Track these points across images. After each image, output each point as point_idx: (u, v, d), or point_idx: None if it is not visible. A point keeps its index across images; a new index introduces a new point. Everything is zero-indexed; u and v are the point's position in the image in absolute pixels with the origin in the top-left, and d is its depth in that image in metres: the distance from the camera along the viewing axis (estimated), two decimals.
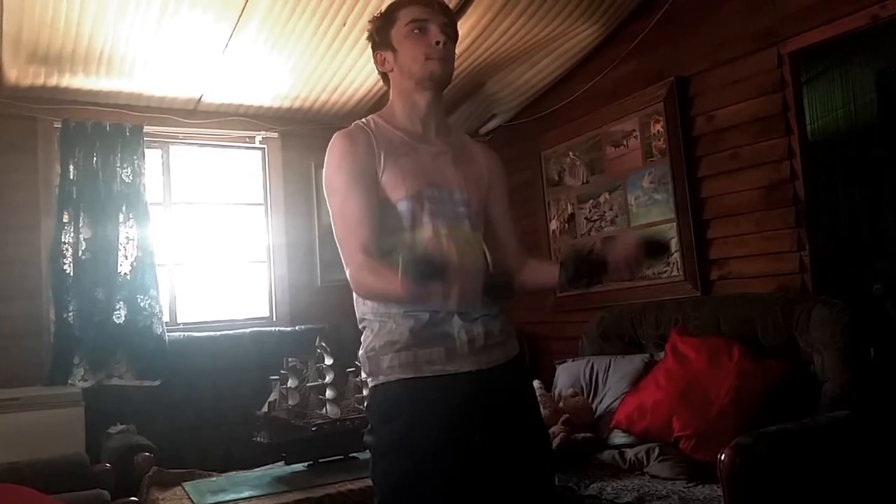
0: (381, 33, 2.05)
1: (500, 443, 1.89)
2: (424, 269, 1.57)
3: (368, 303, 1.95)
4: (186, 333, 5.00)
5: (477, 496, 1.86)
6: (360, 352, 1.97)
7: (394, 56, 2.03)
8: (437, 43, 1.97)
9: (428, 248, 1.77)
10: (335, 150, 1.97)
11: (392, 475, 1.87)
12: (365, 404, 2.16)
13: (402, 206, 1.93)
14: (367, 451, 1.96)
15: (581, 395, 4.15)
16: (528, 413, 2.05)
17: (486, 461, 1.86)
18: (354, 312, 2.01)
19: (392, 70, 2.06)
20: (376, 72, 2.15)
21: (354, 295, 1.99)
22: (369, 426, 1.96)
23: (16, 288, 4.67)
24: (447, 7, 2.08)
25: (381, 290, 1.85)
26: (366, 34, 2.11)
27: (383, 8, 2.09)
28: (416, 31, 1.99)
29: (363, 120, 2.06)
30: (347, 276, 1.90)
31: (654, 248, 1.96)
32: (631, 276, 2.01)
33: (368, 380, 1.97)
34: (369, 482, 1.97)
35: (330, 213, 1.97)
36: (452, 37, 2.04)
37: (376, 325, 1.93)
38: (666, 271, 4.52)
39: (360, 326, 2.00)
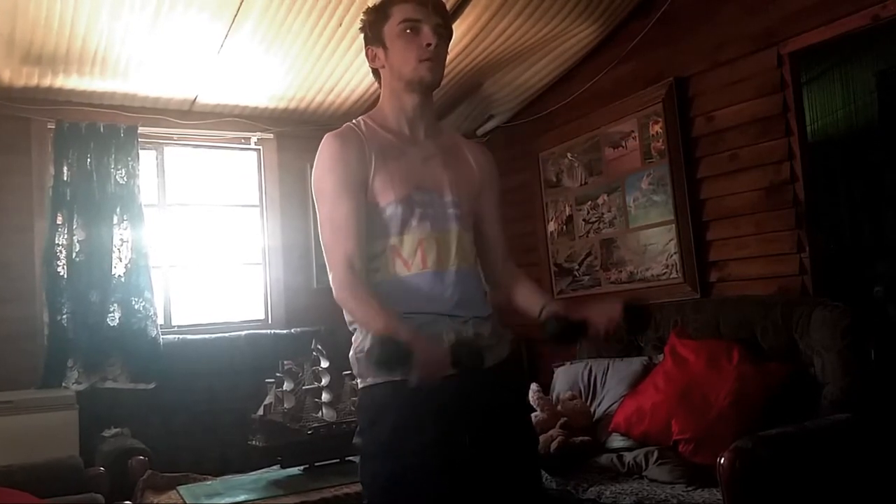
0: (373, 28, 2.03)
1: (489, 445, 1.87)
2: (390, 355, 1.62)
3: None
4: (181, 336, 4.98)
5: (464, 498, 1.85)
6: (350, 353, 1.97)
7: (385, 54, 2.01)
8: (429, 45, 1.95)
9: (394, 334, 1.69)
10: (326, 152, 1.95)
11: (380, 477, 1.87)
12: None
13: (392, 210, 1.92)
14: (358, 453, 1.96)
15: (579, 398, 4.15)
16: (517, 415, 2.05)
17: (474, 463, 1.85)
18: None
19: (383, 67, 2.04)
20: (371, 74, 2.12)
21: None
22: (359, 428, 1.96)
23: (9, 290, 4.66)
24: (442, 6, 2.05)
25: (359, 319, 1.89)
26: (359, 30, 2.09)
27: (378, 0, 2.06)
28: (408, 30, 1.96)
29: (354, 122, 2.04)
30: (331, 281, 1.90)
31: (636, 317, 1.95)
32: (607, 342, 2.03)
33: (358, 381, 1.97)
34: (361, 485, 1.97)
35: (318, 214, 1.96)
36: (446, 37, 2.02)
37: None
38: (665, 273, 4.51)
39: (349, 328, 1.99)
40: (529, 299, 2.13)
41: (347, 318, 1.97)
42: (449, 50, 2.08)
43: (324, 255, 1.94)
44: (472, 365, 1.76)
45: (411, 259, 1.91)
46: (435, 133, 2.10)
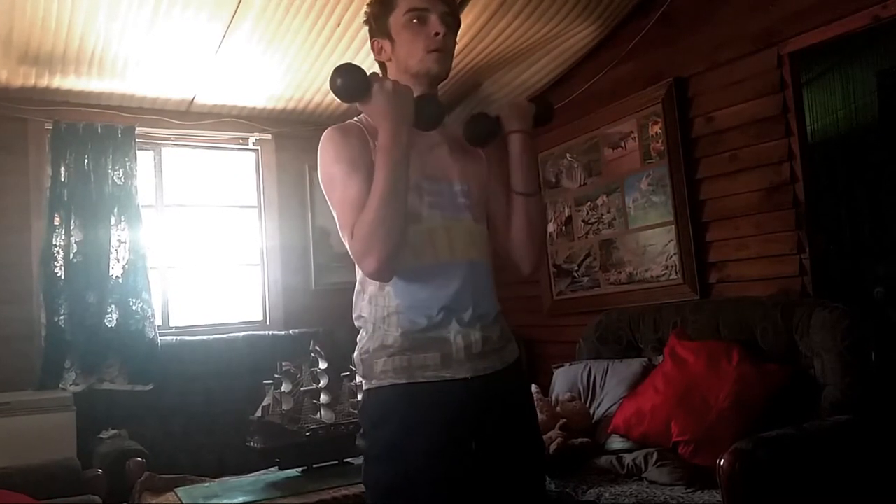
0: (378, 20, 1.98)
1: (495, 451, 1.84)
2: (350, 72, 1.76)
3: (366, 300, 1.89)
4: (179, 337, 5.00)
5: None
6: (355, 353, 1.92)
7: (391, 46, 1.96)
8: (437, 35, 1.90)
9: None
10: (329, 142, 1.89)
11: (383, 481, 1.84)
12: (359, 408, 2.11)
13: None
14: (360, 455, 1.93)
15: (578, 399, 4.13)
16: (524, 421, 2.00)
17: (480, 468, 1.82)
18: (349, 315, 1.95)
19: (389, 60, 1.99)
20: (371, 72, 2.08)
21: (356, 290, 1.93)
22: (362, 430, 1.93)
23: (6, 291, 4.66)
24: None
25: (375, 203, 1.74)
26: (362, 20, 2.04)
27: None
28: (414, 20, 1.91)
29: (356, 118, 1.99)
30: (350, 251, 1.80)
31: (543, 107, 2.08)
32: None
33: (362, 382, 1.92)
34: (364, 487, 1.94)
35: (331, 207, 1.88)
36: (454, 26, 1.97)
37: (371, 325, 1.87)
38: (664, 274, 4.50)
39: (356, 325, 1.94)
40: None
41: (356, 311, 1.92)
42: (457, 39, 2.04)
43: (343, 239, 1.84)
44: (433, 115, 1.85)
45: (421, 249, 1.85)
46: (443, 123, 2.02)
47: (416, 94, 1.87)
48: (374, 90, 1.79)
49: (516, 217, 2.02)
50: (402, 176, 1.76)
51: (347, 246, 1.80)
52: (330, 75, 1.80)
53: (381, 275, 1.79)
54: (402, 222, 1.75)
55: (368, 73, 1.81)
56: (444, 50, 1.92)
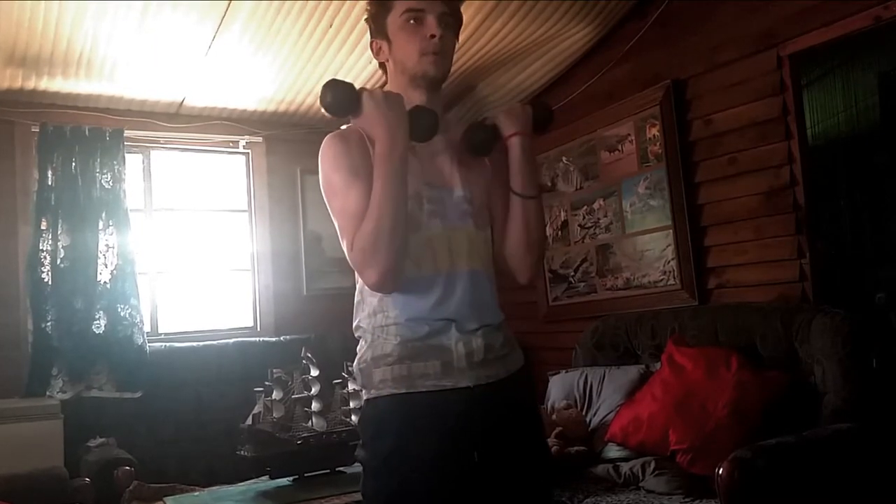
0: (376, 20, 1.95)
1: (498, 461, 1.82)
2: (338, 87, 1.77)
3: (365, 311, 1.87)
4: (168, 344, 4.98)
5: None
6: (354, 363, 1.90)
7: (389, 47, 1.94)
8: (433, 37, 1.87)
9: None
10: (329, 151, 1.86)
11: (382, 493, 1.81)
12: (357, 418, 2.08)
13: None
14: (358, 465, 1.90)
15: (574, 407, 4.12)
16: (530, 431, 1.97)
17: (483, 480, 1.80)
18: (341, 321, 1.98)
19: (387, 61, 1.97)
20: (363, 74, 2.07)
21: (355, 300, 1.91)
22: (361, 441, 1.90)
23: None
24: None
25: (374, 213, 1.72)
26: (357, 28, 2.03)
27: None
28: (411, 21, 1.88)
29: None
30: (351, 262, 1.79)
31: (543, 112, 2.03)
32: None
33: (362, 392, 1.91)
34: (357, 497, 1.95)
35: (332, 217, 1.86)
36: (453, 26, 1.94)
37: (370, 336, 1.86)
38: (662, 279, 4.48)
39: (356, 335, 1.92)
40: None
41: (356, 320, 1.90)
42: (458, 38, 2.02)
43: (344, 249, 1.82)
44: (427, 127, 1.81)
45: (421, 258, 1.83)
46: (443, 128, 1.99)
47: (416, 98, 1.89)
48: (364, 100, 1.79)
49: (513, 221, 1.98)
50: (400, 185, 1.74)
51: (348, 257, 1.79)
52: (319, 93, 1.81)
53: (384, 287, 1.78)
54: (404, 231, 1.74)
55: (357, 87, 1.80)
56: (441, 52, 1.89)
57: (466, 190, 1.92)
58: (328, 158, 1.86)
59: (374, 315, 1.85)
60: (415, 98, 1.92)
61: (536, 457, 1.96)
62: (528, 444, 1.93)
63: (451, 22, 1.93)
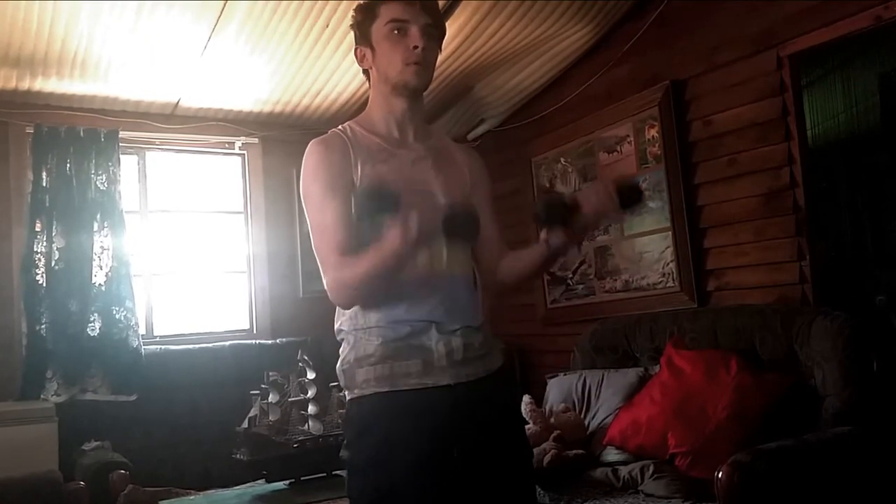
0: (361, 27, 1.99)
1: (480, 458, 1.85)
2: (379, 196, 1.68)
3: (346, 314, 1.91)
4: (163, 346, 4.96)
5: None
6: (338, 365, 1.94)
7: (372, 55, 1.98)
8: (416, 48, 1.90)
9: (378, 183, 1.76)
10: (310, 158, 1.93)
11: (367, 491, 1.85)
12: (342, 419, 2.10)
13: None
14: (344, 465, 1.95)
15: (573, 410, 4.12)
16: (510, 427, 2.01)
17: (465, 477, 1.83)
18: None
19: (371, 68, 2.01)
20: (360, 76, 2.10)
21: (336, 306, 1.94)
22: (345, 441, 1.96)
23: None
24: (433, 5, 2.00)
25: (366, 269, 1.77)
26: (350, 27, 2.04)
27: None
28: (395, 31, 1.92)
29: (340, 127, 2.01)
30: (326, 285, 1.85)
31: (629, 197, 1.86)
32: (598, 226, 1.96)
33: (345, 393, 1.95)
34: (349, 500, 1.95)
35: (308, 223, 1.92)
36: (436, 37, 1.97)
37: (352, 337, 1.90)
38: (661, 282, 4.48)
39: (337, 338, 1.96)
40: (522, 248, 2.05)
41: (337, 324, 1.94)
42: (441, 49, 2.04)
43: (318, 264, 1.88)
44: (467, 231, 1.75)
45: None
46: (424, 136, 2.05)
47: (397, 106, 1.97)
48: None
49: (525, 258, 2.02)
50: (400, 263, 1.76)
51: (322, 272, 1.86)
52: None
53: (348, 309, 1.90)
54: (389, 285, 1.81)
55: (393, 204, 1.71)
56: (423, 63, 1.93)
57: (447, 197, 1.95)
58: (309, 167, 1.92)
59: (355, 318, 1.88)
60: (397, 105, 1.99)
61: (517, 454, 2.00)
62: (508, 442, 1.97)
63: (435, 34, 1.97)
